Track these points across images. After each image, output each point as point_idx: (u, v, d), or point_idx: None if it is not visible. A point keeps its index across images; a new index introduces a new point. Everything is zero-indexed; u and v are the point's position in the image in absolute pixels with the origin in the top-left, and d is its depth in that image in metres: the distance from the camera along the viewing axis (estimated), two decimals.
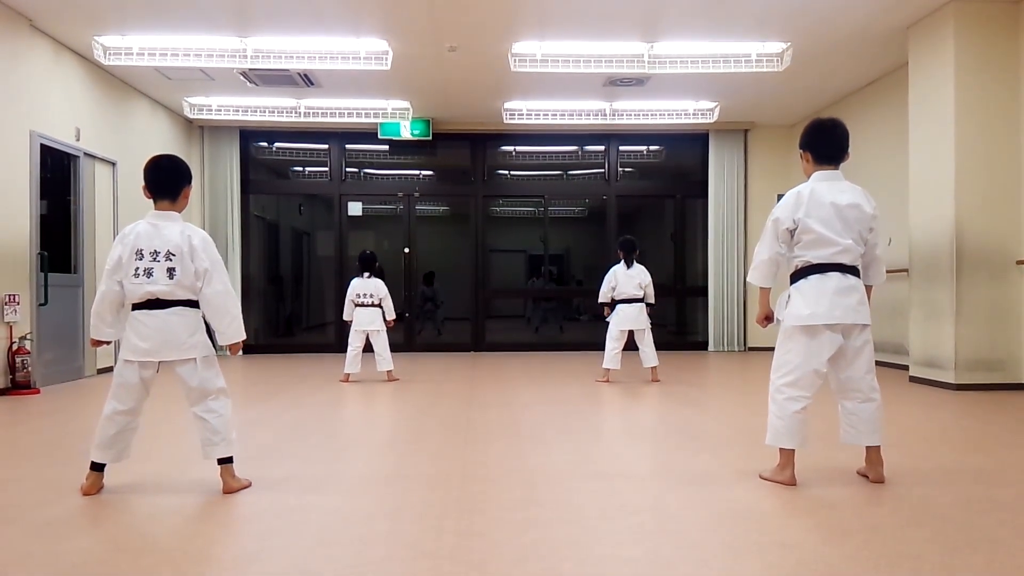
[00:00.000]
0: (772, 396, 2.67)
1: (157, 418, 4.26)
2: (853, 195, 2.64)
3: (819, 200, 2.59)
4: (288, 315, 11.19)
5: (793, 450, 2.62)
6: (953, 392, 5.11)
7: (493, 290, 10.46)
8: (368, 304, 5.83)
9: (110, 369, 6.76)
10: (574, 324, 12.74)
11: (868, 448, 2.70)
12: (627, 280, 5.68)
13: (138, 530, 2.20)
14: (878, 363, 6.90)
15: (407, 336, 9.20)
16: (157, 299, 2.52)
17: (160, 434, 3.77)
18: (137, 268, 2.51)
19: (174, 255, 2.52)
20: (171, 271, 2.52)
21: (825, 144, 2.68)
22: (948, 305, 5.27)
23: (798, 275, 2.66)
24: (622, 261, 5.76)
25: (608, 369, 5.72)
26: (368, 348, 5.89)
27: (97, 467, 2.58)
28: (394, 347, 9.80)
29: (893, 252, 6.65)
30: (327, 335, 9.49)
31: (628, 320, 5.66)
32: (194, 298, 2.57)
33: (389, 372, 5.92)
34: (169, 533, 2.17)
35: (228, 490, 2.57)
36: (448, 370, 6.91)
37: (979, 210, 5.23)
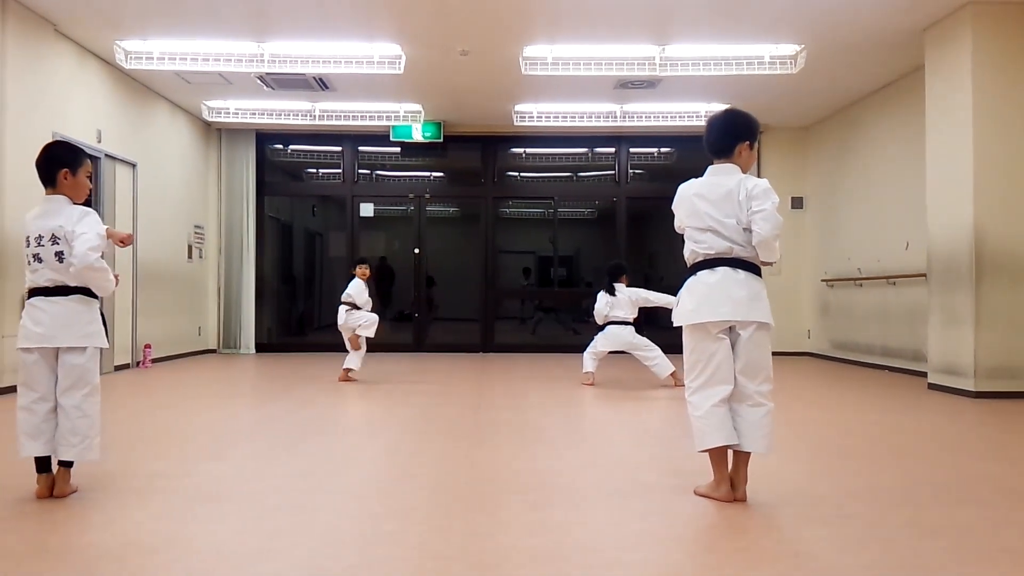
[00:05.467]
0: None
1: (165, 419, 4.31)
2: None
3: None
4: (300, 314, 11.27)
5: (725, 463, 2.48)
6: (973, 400, 5.02)
7: (502, 291, 10.45)
8: (346, 303, 5.86)
9: (126, 366, 6.88)
10: (583, 326, 12.70)
11: (741, 455, 2.47)
12: (616, 303, 5.67)
13: (148, 527, 2.21)
14: (897, 370, 6.84)
15: (416, 336, 9.23)
16: (57, 286, 2.47)
17: (168, 434, 3.80)
18: (27, 255, 2.50)
19: (59, 239, 2.47)
20: (59, 255, 2.47)
21: None
22: (968, 311, 5.19)
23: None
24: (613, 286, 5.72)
25: (591, 372, 5.74)
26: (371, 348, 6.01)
27: (42, 466, 2.49)
28: (403, 347, 9.76)
29: (911, 257, 6.56)
30: (338, 335, 9.53)
31: (617, 341, 5.65)
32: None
33: (346, 369, 5.84)
34: (179, 530, 2.19)
35: (60, 493, 2.47)
36: (456, 371, 6.91)
37: (999, 214, 5.15)
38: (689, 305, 2.49)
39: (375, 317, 5.90)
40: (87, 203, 2.65)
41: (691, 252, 2.53)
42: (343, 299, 5.89)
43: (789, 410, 4.47)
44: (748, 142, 2.55)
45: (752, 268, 2.48)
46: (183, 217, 8.09)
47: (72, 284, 2.50)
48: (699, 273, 2.50)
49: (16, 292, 5.25)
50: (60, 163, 2.57)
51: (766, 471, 2.83)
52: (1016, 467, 3.10)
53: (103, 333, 2.58)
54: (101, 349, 2.59)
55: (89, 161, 2.66)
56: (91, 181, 2.67)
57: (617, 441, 3.65)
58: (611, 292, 5.71)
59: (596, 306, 5.75)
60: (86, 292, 2.54)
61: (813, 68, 6.38)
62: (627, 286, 5.75)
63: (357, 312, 5.85)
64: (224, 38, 5.98)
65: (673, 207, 2.64)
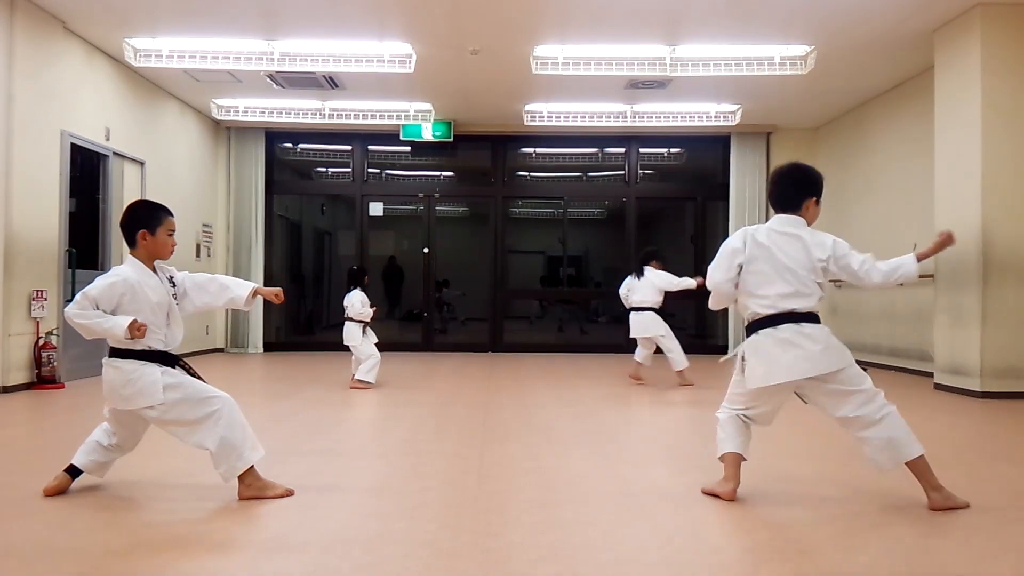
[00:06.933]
0: None
1: None
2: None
3: None
4: (309, 313, 11.32)
5: (738, 467, 2.51)
6: (979, 400, 5.01)
7: (511, 291, 10.47)
8: (346, 318, 5.54)
9: None
10: (592, 326, 12.71)
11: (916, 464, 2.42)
12: (636, 287, 5.77)
13: (158, 524, 2.24)
14: (904, 370, 6.80)
15: (425, 337, 9.25)
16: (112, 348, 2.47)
17: None
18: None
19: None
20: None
21: None
22: (975, 311, 5.17)
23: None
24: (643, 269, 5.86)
25: (638, 364, 5.85)
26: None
27: (71, 470, 2.53)
28: (412, 347, 9.74)
29: None
30: None
31: (636, 327, 5.75)
32: (134, 347, 2.44)
33: (355, 378, 5.46)
34: (189, 529, 2.21)
35: (243, 497, 2.48)
36: (465, 370, 6.93)
37: (1007, 214, 5.13)
38: (760, 370, 2.42)
39: (375, 359, 5.48)
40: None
41: (752, 312, 2.48)
42: (347, 313, 5.56)
43: (796, 411, 4.46)
44: (816, 198, 2.56)
45: (814, 319, 2.46)
46: (191, 215, 8.14)
47: (113, 345, 2.46)
48: (761, 332, 2.44)
49: (24, 290, 5.31)
50: (138, 224, 2.51)
51: (774, 472, 2.84)
52: (1022, 467, 3.09)
53: (144, 391, 2.43)
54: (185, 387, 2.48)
55: (171, 217, 2.58)
56: (173, 236, 2.59)
57: (626, 441, 3.66)
58: (639, 275, 5.80)
59: (620, 290, 5.93)
60: (122, 354, 2.45)
61: (823, 69, 6.36)
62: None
63: (360, 348, 5.46)
64: (234, 36, 6.01)
65: (726, 254, 2.52)
